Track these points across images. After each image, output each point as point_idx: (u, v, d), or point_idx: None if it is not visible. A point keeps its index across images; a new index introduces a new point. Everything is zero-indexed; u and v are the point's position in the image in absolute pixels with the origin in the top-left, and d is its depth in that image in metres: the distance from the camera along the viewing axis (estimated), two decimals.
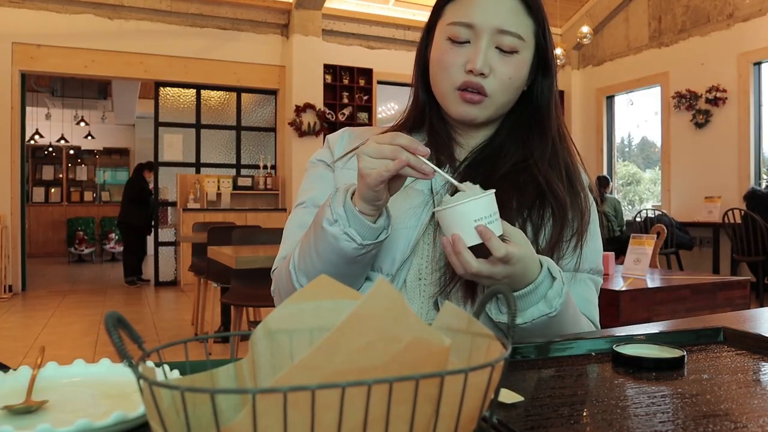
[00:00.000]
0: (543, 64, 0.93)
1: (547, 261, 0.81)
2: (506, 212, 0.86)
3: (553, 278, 0.81)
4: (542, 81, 0.94)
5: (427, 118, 0.98)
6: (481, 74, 0.87)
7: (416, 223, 0.90)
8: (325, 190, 0.97)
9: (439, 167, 0.94)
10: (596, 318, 0.94)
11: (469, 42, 0.88)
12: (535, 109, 0.94)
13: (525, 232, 0.87)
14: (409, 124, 0.99)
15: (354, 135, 1.02)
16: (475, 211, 0.73)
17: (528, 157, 0.91)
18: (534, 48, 0.91)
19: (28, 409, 0.58)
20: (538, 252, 0.87)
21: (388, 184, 0.77)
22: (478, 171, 0.91)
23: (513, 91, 0.91)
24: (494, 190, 0.74)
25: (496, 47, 0.88)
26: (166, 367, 0.45)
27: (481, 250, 0.74)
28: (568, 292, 0.82)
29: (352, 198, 0.80)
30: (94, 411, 0.58)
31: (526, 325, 0.80)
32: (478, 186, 0.75)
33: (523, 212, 0.89)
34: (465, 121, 0.92)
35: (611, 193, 7.14)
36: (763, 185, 6.29)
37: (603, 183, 6.97)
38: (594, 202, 0.97)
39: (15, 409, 0.57)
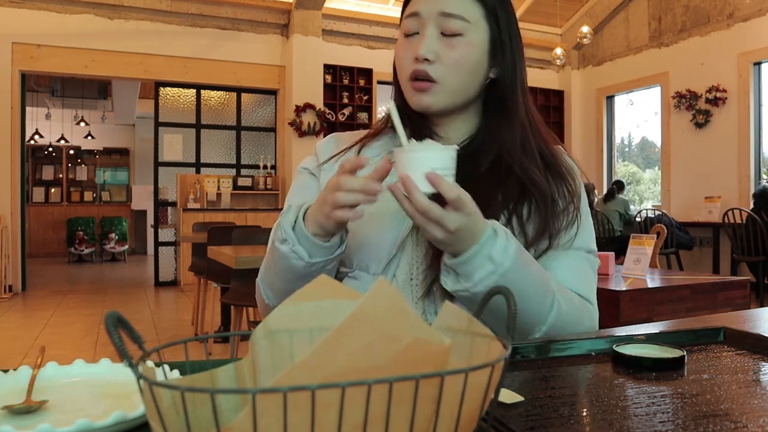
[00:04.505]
0: (499, 47, 0.92)
1: (493, 222, 0.79)
2: (492, 207, 0.86)
3: (497, 236, 0.78)
4: (504, 66, 0.93)
5: (405, 115, 0.97)
6: (426, 60, 0.88)
7: (400, 222, 0.89)
8: (306, 200, 0.97)
9: None
10: (591, 296, 0.92)
11: (418, 33, 0.90)
12: (500, 96, 0.94)
13: (511, 224, 0.88)
14: (390, 123, 1.00)
15: (340, 140, 1.04)
16: (432, 160, 0.71)
17: (502, 148, 0.91)
18: (487, 32, 0.91)
19: (28, 409, 0.58)
20: (527, 241, 0.87)
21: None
22: (460, 169, 0.91)
23: (465, 75, 0.90)
24: (456, 147, 0.74)
25: (443, 33, 0.89)
26: (166, 367, 0.45)
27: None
28: (523, 251, 0.80)
29: (305, 216, 0.81)
30: (94, 411, 0.58)
31: (478, 289, 0.77)
32: (439, 143, 0.75)
33: (509, 205, 0.89)
34: (422, 110, 0.92)
35: (613, 196, 7.08)
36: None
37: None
38: (582, 184, 0.97)
39: (15, 409, 0.57)
